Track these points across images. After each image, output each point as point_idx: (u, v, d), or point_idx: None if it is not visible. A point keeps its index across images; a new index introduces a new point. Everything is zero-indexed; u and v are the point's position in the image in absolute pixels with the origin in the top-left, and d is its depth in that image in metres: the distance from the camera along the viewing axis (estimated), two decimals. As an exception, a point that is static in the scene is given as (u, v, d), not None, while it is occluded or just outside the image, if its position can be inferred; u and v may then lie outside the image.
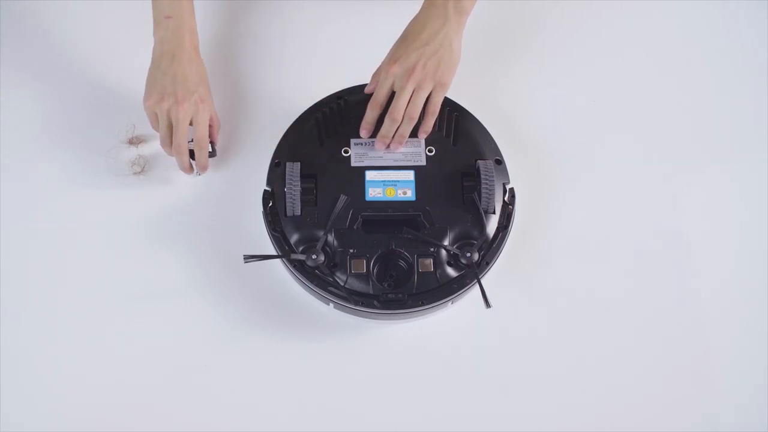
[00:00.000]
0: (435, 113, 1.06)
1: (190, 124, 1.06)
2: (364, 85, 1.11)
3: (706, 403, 1.02)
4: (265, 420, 1.00)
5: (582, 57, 1.20)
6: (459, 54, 1.06)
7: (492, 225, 1.03)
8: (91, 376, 1.01)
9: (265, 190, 1.05)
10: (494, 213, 1.04)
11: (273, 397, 1.01)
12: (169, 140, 1.06)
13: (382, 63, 1.07)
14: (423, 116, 1.06)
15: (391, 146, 1.06)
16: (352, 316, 1.03)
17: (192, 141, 1.07)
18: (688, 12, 1.23)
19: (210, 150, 1.09)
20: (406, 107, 1.04)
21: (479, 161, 1.05)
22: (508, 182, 1.06)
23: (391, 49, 1.07)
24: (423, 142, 1.08)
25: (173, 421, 1.00)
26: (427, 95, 1.05)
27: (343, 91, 1.11)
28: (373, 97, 1.06)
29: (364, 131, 1.07)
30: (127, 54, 1.18)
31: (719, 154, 1.15)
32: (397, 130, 1.06)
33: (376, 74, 1.08)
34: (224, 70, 1.18)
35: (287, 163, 1.04)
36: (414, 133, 1.07)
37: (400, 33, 1.13)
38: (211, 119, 1.08)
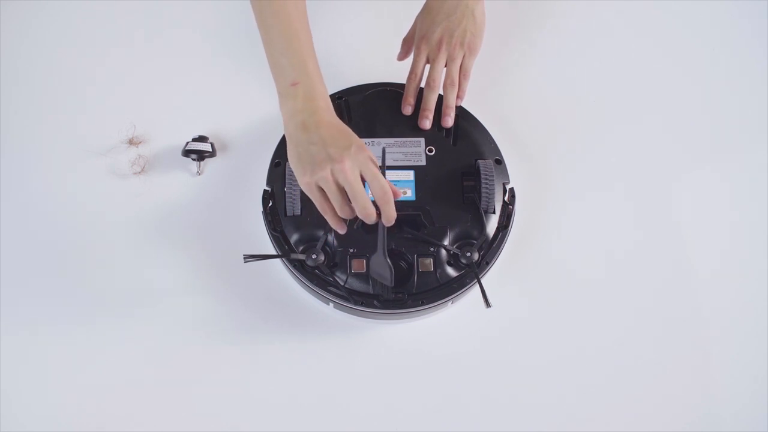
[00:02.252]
0: (467, 76, 1.11)
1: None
2: (365, 86, 1.12)
3: (706, 402, 1.01)
4: (265, 419, 1.00)
5: (581, 57, 1.20)
6: (483, 19, 1.11)
7: (492, 225, 1.03)
8: (90, 376, 1.01)
9: (265, 190, 1.05)
10: (494, 213, 1.04)
11: (273, 396, 1.01)
12: (347, 207, 0.92)
13: (408, 35, 1.13)
14: (459, 82, 1.11)
15: (443, 123, 1.09)
16: (352, 316, 1.03)
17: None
18: (687, 12, 1.23)
19: (209, 150, 1.09)
20: (443, 77, 1.09)
21: (479, 161, 1.05)
22: (508, 182, 1.06)
23: (416, 22, 1.12)
24: (423, 142, 1.08)
25: (172, 420, 1.00)
26: (460, 62, 1.10)
27: (343, 90, 1.11)
28: (410, 70, 1.11)
29: (408, 106, 1.09)
30: (127, 54, 1.18)
31: (718, 153, 1.15)
32: (444, 102, 1.09)
33: (405, 43, 1.14)
34: (224, 70, 1.18)
35: (287, 163, 1.04)
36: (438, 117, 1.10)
37: (400, 33, 1.14)
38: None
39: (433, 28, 1.10)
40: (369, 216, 0.91)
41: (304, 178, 0.92)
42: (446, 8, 1.09)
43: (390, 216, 0.92)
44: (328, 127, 0.92)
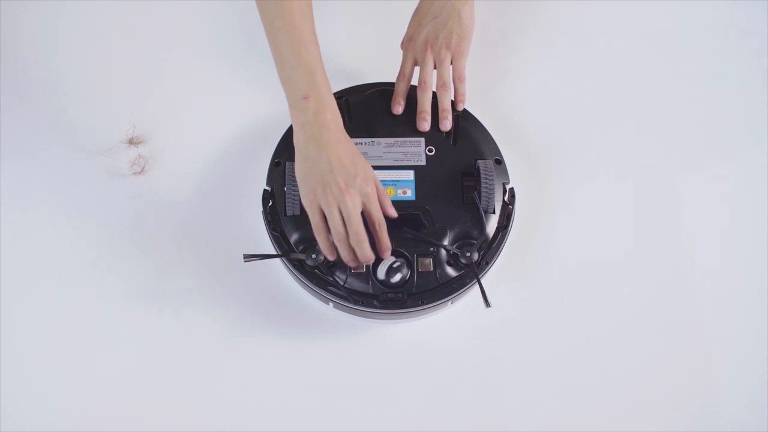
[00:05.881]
0: (462, 79, 1.09)
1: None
2: (365, 85, 1.12)
3: (706, 403, 1.01)
4: (265, 420, 1.00)
5: (582, 57, 1.20)
6: (470, 22, 1.09)
7: (492, 225, 1.03)
8: (90, 377, 1.01)
9: (264, 190, 1.05)
10: (494, 213, 1.04)
11: (272, 396, 1.01)
12: (345, 234, 0.95)
13: (403, 39, 1.12)
14: (455, 86, 1.10)
15: (440, 126, 1.08)
16: (352, 315, 1.03)
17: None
18: (688, 11, 1.23)
19: None
20: (435, 79, 1.09)
21: (479, 161, 1.05)
22: (508, 182, 1.06)
23: (409, 24, 1.11)
24: (423, 142, 1.08)
25: (172, 421, 1.00)
26: (448, 64, 1.09)
27: (343, 90, 1.11)
28: (399, 71, 1.10)
29: (398, 105, 1.09)
30: (127, 53, 1.18)
31: (719, 152, 1.15)
32: (439, 106, 1.08)
33: (402, 45, 1.12)
34: (225, 69, 1.18)
35: (287, 163, 1.04)
36: (434, 119, 1.09)
37: (400, 33, 1.14)
38: (378, 191, 0.97)
39: (419, 30, 1.09)
40: (361, 243, 0.95)
41: (308, 195, 0.96)
42: (434, 10, 1.09)
43: (386, 245, 0.97)
44: (337, 145, 0.95)
